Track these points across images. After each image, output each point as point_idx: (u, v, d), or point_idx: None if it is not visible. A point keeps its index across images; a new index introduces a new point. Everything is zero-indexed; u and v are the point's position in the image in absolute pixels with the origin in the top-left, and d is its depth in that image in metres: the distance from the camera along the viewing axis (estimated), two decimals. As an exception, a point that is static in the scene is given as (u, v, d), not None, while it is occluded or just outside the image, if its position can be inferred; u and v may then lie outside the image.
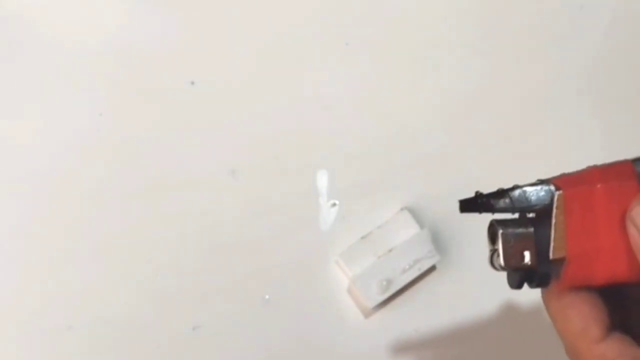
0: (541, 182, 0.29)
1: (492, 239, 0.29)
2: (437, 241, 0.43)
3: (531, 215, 0.28)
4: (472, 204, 0.29)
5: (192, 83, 0.48)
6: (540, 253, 0.27)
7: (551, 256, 0.27)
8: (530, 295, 0.32)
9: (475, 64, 0.49)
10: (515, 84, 0.48)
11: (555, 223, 0.27)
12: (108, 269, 0.42)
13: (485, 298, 0.42)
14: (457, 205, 0.42)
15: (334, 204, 0.44)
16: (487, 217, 0.35)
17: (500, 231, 0.28)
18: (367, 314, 0.41)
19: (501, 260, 0.28)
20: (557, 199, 0.28)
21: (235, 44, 0.50)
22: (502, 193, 0.28)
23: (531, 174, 0.45)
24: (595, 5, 0.50)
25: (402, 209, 0.42)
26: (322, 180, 0.45)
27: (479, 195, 0.29)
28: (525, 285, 0.29)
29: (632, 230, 0.27)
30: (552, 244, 0.27)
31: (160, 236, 0.43)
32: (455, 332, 0.41)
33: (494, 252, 0.28)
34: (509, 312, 0.42)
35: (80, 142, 0.46)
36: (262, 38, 0.50)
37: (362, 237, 0.42)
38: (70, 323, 0.41)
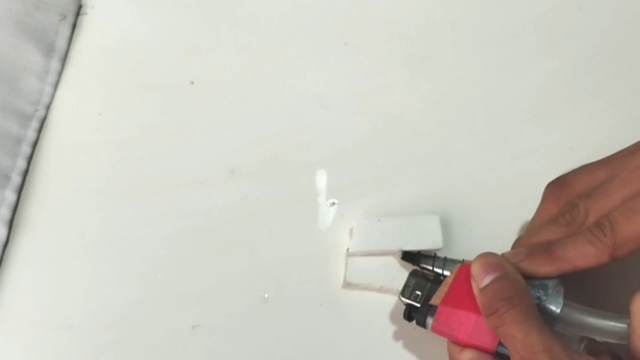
0: (463, 260, 0.38)
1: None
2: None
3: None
4: (409, 256, 0.40)
5: (192, 83, 0.48)
6: (427, 298, 0.37)
7: (431, 301, 0.36)
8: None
9: (475, 64, 0.49)
10: (514, 84, 0.48)
11: (445, 282, 0.37)
12: (108, 268, 0.42)
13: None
14: (457, 205, 0.43)
15: (333, 203, 0.44)
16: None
17: (409, 274, 0.38)
18: (367, 310, 0.41)
19: (400, 293, 0.38)
20: (455, 268, 0.37)
21: (234, 44, 0.50)
22: (431, 257, 0.39)
23: (531, 173, 0.45)
24: (594, 5, 0.50)
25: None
26: (322, 179, 0.45)
27: (418, 253, 0.40)
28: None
29: (473, 287, 0.35)
30: (435, 294, 0.36)
31: (160, 235, 0.43)
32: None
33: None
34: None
35: (80, 142, 0.46)
36: (262, 38, 0.50)
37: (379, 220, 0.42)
38: (70, 322, 0.41)
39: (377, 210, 0.43)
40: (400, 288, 0.39)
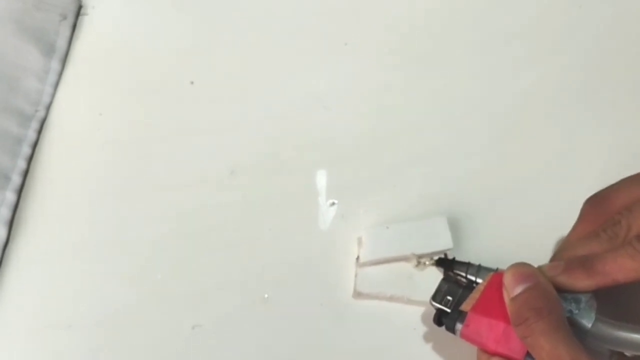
0: (497, 269, 0.38)
1: None
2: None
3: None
4: (443, 263, 0.40)
5: (192, 83, 0.48)
6: (457, 304, 0.36)
7: (461, 307, 0.36)
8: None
9: (474, 64, 0.49)
10: (514, 84, 0.48)
11: (476, 288, 0.36)
12: (107, 268, 0.42)
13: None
14: (457, 205, 0.43)
15: (333, 203, 0.44)
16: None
17: (441, 279, 0.38)
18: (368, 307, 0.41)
19: (431, 297, 0.37)
20: (488, 276, 0.37)
21: (234, 44, 0.50)
22: (465, 264, 0.39)
23: (530, 173, 0.45)
24: (594, 5, 0.50)
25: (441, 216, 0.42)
26: (321, 179, 0.45)
27: (452, 259, 0.40)
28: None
29: (504, 296, 0.35)
30: (466, 300, 0.36)
31: (160, 235, 0.43)
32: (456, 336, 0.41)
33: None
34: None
35: (80, 142, 0.46)
36: (262, 38, 0.50)
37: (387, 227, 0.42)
38: (69, 322, 0.41)
39: (377, 211, 0.43)
40: (410, 296, 0.40)
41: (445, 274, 0.39)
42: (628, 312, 0.37)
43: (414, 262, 0.41)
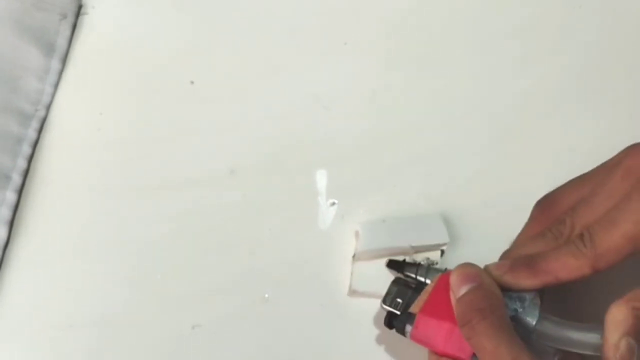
0: (446, 269, 0.38)
1: None
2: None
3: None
4: (394, 265, 0.40)
5: (192, 83, 0.48)
6: (407, 306, 0.37)
7: (410, 309, 0.36)
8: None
9: (474, 64, 0.49)
10: (514, 84, 0.48)
11: (425, 290, 0.37)
12: (107, 268, 0.42)
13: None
14: (457, 205, 0.43)
15: (333, 203, 0.44)
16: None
17: (391, 281, 0.38)
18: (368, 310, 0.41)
19: (381, 300, 0.38)
20: (435, 277, 0.37)
21: (234, 44, 0.50)
22: (415, 265, 0.39)
23: (529, 173, 0.45)
24: (594, 5, 0.50)
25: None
26: (322, 179, 0.45)
27: (403, 261, 0.40)
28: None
29: (451, 296, 0.35)
30: (415, 302, 0.36)
31: (160, 235, 0.43)
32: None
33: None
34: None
35: (80, 142, 0.46)
36: (262, 38, 0.50)
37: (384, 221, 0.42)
38: (70, 322, 0.41)
39: (377, 211, 0.43)
40: None
41: (395, 276, 0.39)
42: (576, 311, 0.38)
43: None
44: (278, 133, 0.46)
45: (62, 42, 0.49)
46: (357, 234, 0.42)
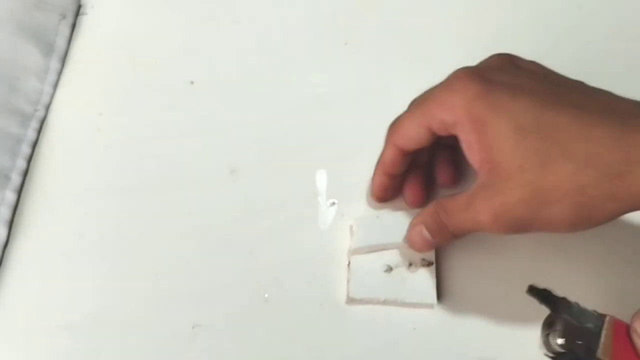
0: (595, 311, 0.34)
1: (548, 325, 0.34)
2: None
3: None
4: (539, 295, 0.34)
5: (192, 83, 0.48)
6: (589, 348, 0.32)
7: (598, 354, 0.32)
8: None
9: (474, 63, 0.49)
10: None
11: (605, 334, 0.33)
12: (107, 268, 0.42)
13: (485, 296, 0.42)
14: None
15: (333, 203, 0.44)
16: None
17: (564, 317, 0.33)
18: (366, 312, 0.41)
19: (559, 339, 0.33)
20: (608, 320, 0.33)
21: (234, 44, 0.50)
22: (566, 300, 0.34)
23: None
24: (594, 5, 0.50)
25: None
26: (322, 179, 0.45)
27: (549, 293, 0.34)
28: None
29: (636, 340, 0.32)
30: (600, 346, 0.32)
31: (160, 235, 0.43)
32: (456, 335, 0.41)
33: (549, 334, 0.33)
34: (509, 315, 0.42)
35: (80, 142, 0.46)
36: (262, 38, 0.50)
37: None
38: (69, 321, 0.41)
39: (377, 210, 0.43)
40: (404, 299, 0.40)
41: (558, 313, 0.34)
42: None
43: (406, 263, 0.41)
44: (278, 133, 0.46)
45: (61, 42, 0.49)
46: (351, 229, 0.42)
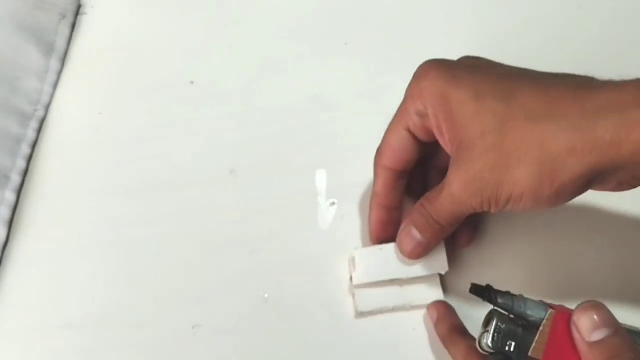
0: (542, 302, 0.33)
1: (487, 323, 0.34)
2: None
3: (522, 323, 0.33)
4: (480, 292, 0.34)
5: (192, 83, 0.48)
6: (521, 349, 0.32)
7: (530, 353, 0.32)
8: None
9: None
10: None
11: (541, 331, 0.32)
12: (107, 268, 0.42)
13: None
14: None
15: (333, 203, 0.44)
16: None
17: (495, 319, 0.33)
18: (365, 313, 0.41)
19: (489, 341, 0.33)
20: (549, 315, 0.32)
21: (234, 44, 0.50)
22: (508, 295, 0.34)
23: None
24: (593, 5, 0.50)
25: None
26: (321, 179, 0.45)
27: (489, 287, 0.34)
28: None
29: (575, 333, 0.32)
30: (534, 344, 0.32)
31: (160, 235, 0.43)
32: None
33: (484, 333, 0.33)
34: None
35: (80, 142, 0.46)
36: (262, 38, 0.50)
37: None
38: (70, 322, 0.41)
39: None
40: (412, 302, 0.39)
41: (495, 310, 0.34)
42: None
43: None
44: (278, 133, 0.46)
45: (61, 42, 0.49)
46: (353, 261, 0.40)
